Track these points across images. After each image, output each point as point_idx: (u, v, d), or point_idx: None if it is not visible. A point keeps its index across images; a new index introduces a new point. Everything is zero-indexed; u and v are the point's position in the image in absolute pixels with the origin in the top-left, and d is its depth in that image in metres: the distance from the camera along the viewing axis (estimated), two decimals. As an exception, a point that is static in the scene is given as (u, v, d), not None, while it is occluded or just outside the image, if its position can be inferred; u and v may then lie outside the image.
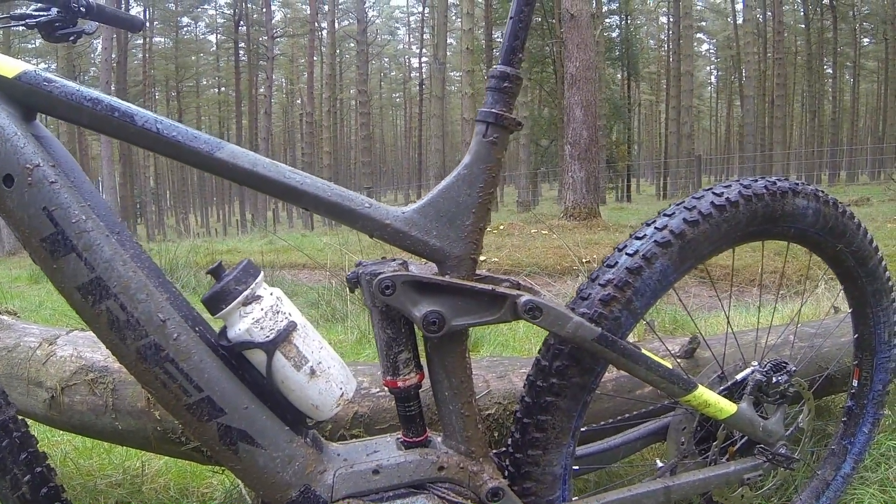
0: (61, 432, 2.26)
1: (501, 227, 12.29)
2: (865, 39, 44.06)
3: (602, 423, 1.51)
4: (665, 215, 1.20)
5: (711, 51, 58.54)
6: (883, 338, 1.54)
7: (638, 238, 1.18)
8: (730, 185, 1.23)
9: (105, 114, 0.96)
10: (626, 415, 1.53)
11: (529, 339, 3.55)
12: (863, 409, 1.61)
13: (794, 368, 1.41)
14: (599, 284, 1.15)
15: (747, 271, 6.15)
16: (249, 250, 10.66)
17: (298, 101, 51.69)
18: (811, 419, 1.53)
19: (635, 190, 36.44)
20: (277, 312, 1.01)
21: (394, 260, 1.09)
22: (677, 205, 1.21)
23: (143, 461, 2.08)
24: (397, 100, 68.70)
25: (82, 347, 1.69)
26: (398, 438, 1.16)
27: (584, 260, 6.04)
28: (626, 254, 1.16)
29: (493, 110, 1.08)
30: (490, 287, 1.07)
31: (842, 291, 1.53)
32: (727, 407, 1.28)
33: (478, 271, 1.11)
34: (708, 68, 60.19)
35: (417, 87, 50.63)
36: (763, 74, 36.44)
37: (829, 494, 1.60)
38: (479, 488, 1.11)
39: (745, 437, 1.38)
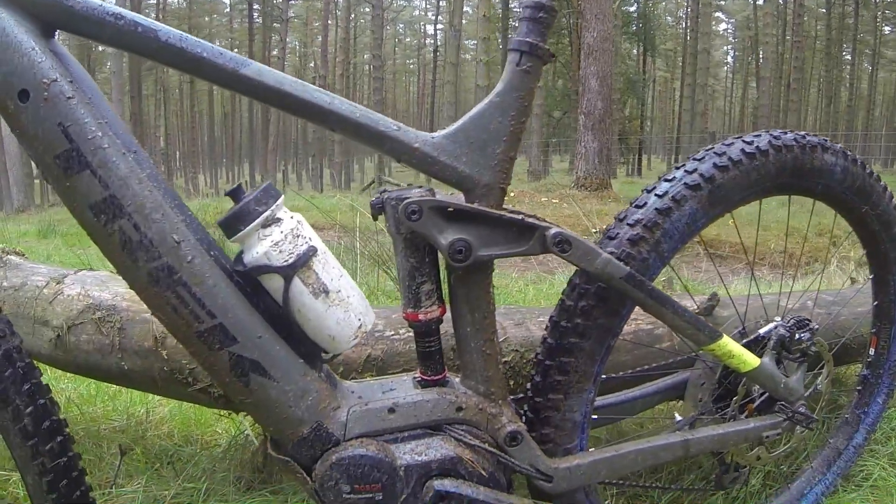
0: (65, 379, 2.25)
1: (512, 195, 12.24)
2: (886, 28, 43.52)
3: (621, 373, 1.49)
4: (695, 160, 1.18)
5: (730, 30, 58.02)
6: None
7: (667, 180, 1.16)
8: (760, 135, 1.21)
9: (129, 29, 0.92)
10: (646, 366, 1.50)
11: (539, 301, 3.52)
12: (878, 379, 1.60)
13: (816, 326, 1.39)
14: (628, 224, 1.12)
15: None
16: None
17: (312, 65, 51.38)
18: (829, 382, 1.51)
19: (646, 165, 36.23)
20: (298, 236, 0.98)
21: (420, 187, 1.05)
22: (706, 150, 1.19)
23: (147, 407, 2.06)
24: (411, 66, 68.30)
25: (90, 286, 1.65)
26: (415, 377, 1.12)
27: (594, 230, 6.00)
28: (656, 195, 1.14)
29: (528, 39, 1.04)
30: (520, 216, 1.04)
31: (863, 257, 1.52)
32: (751, 360, 1.25)
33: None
34: (725, 48, 59.67)
35: (432, 54, 50.21)
36: (781, 57, 36.09)
37: (841, 464, 1.59)
38: (496, 431, 1.08)
39: (765, 395, 1.35)
